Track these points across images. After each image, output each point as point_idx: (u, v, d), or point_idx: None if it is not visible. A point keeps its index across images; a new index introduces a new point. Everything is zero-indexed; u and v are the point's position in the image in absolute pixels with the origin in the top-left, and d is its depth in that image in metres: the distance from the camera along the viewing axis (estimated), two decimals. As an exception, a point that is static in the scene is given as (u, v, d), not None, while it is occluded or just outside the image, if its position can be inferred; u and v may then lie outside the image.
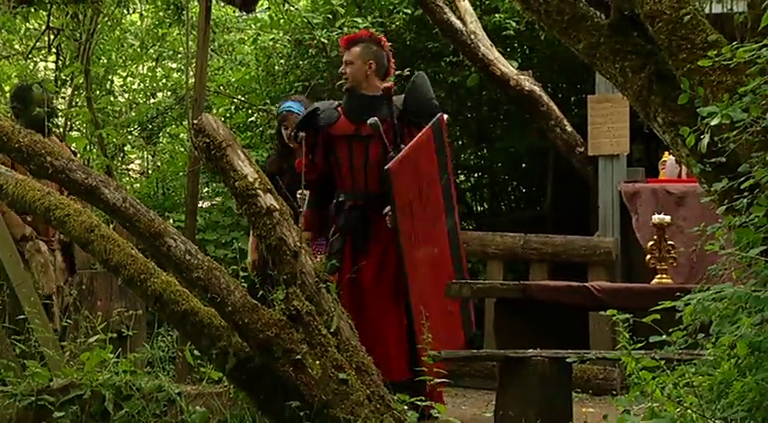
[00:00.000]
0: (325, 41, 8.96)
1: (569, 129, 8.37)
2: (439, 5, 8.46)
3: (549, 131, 8.47)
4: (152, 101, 11.10)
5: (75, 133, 9.37)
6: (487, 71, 8.45)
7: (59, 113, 8.13)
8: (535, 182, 9.93)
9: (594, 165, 8.06)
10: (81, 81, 8.46)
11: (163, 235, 4.30)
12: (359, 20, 8.90)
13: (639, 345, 3.57)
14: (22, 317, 5.93)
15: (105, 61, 10.06)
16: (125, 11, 8.99)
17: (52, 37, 8.27)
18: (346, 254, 5.76)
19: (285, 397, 4.12)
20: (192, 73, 7.28)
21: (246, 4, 7.78)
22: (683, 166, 7.72)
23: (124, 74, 11.02)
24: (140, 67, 11.14)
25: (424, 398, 4.45)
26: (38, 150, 4.47)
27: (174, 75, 11.03)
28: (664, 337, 3.49)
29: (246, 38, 10.72)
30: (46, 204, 4.53)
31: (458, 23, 8.47)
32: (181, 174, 9.70)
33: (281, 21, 9.80)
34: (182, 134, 10.70)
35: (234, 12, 10.61)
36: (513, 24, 8.77)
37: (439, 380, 4.61)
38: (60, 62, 8.96)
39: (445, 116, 5.92)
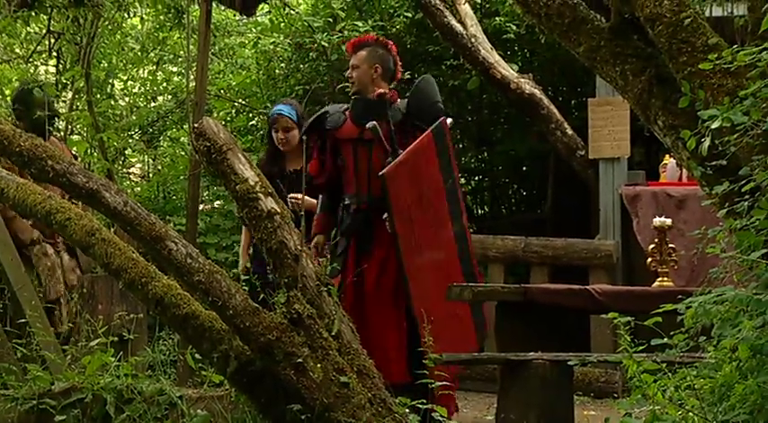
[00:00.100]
0: (326, 45, 8.96)
1: (570, 132, 8.38)
2: (439, 9, 8.47)
3: (549, 134, 8.47)
4: (153, 104, 11.10)
5: (75, 137, 9.37)
6: (488, 74, 8.46)
7: (61, 116, 8.13)
8: (536, 185, 9.93)
9: (595, 168, 8.06)
10: (82, 85, 8.46)
11: (164, 238, 4.29)
12: (359, 23, 8.91)
13: (641, 348, 3.57)
14: (23, 320, 5.93)
15: (106, 65, 10.06)
16: (126, 15, 8.99)
17: (53, 41, 8.26)
18: (350, 256, 5.76)
19: (286, 400, 4.12)
20: (192, 76, 7.29)
21: (247, 7, 7.80)
22: (683, 169, 7.73)
23: (125, 77, 11.02)
24: (141, 71, 11.15)
25: (425, 401, 4.44)
26: (39, 154, 4.47)
27: (175, 78, 11.05)
28: (665, 340, 3.50)
29: (247, 41, 10.73)
30: (47, 208, 4.53)
31: (458, 27, 8.48)
32: (181, 177, 9.73)
33: (282, 24, 9.80)
34: (182, 138, 10.72)
35: (234, 15, 10.61)
36: (514, 27, 8.77)
37: (440, 383, 4.60)
38: (61, 66, 8.96)
39: (449, 120, 5.89)
